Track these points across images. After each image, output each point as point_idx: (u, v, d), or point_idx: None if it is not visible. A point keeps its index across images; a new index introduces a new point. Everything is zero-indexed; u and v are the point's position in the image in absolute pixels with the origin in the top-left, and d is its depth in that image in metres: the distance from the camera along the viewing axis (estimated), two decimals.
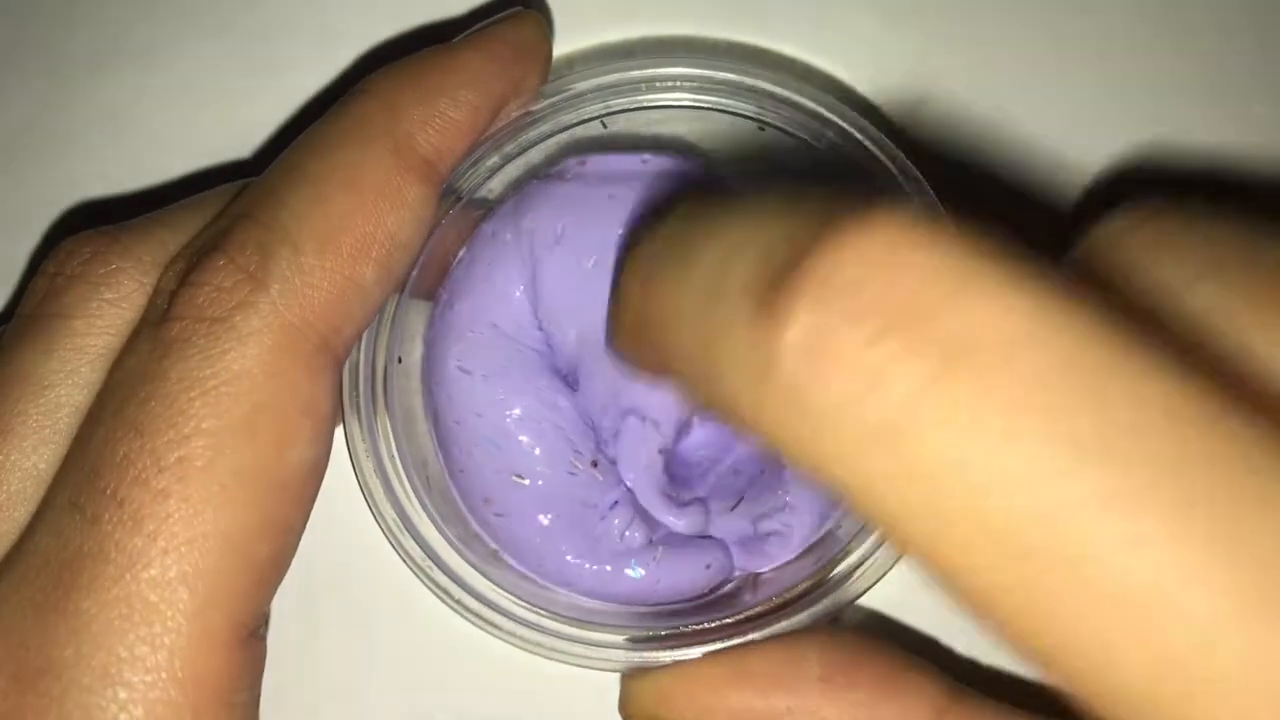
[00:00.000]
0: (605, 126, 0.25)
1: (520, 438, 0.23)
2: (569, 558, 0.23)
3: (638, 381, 0.22)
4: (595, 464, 0.24)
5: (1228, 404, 0.11)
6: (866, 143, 0.24)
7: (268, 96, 0.30)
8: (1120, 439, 0.10)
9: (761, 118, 0.24)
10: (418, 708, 0.28)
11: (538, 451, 0.23)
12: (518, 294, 0.24)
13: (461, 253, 0.25)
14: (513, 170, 0.25)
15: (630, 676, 0.22)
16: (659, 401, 0.23)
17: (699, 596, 0.25)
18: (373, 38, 0.30)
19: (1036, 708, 0.21)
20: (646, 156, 0.24)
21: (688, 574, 0.24)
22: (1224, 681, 0.10)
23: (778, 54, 0.30)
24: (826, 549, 0.24)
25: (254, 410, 0.20)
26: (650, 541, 0.24)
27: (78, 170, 0.30)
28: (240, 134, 0.30)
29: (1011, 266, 0.11)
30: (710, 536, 0.25)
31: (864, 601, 0.27)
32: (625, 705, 0.22)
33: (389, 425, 0.24)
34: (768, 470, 0.25)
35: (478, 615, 0.23)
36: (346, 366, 0.23)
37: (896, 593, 0.25)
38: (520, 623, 0.23)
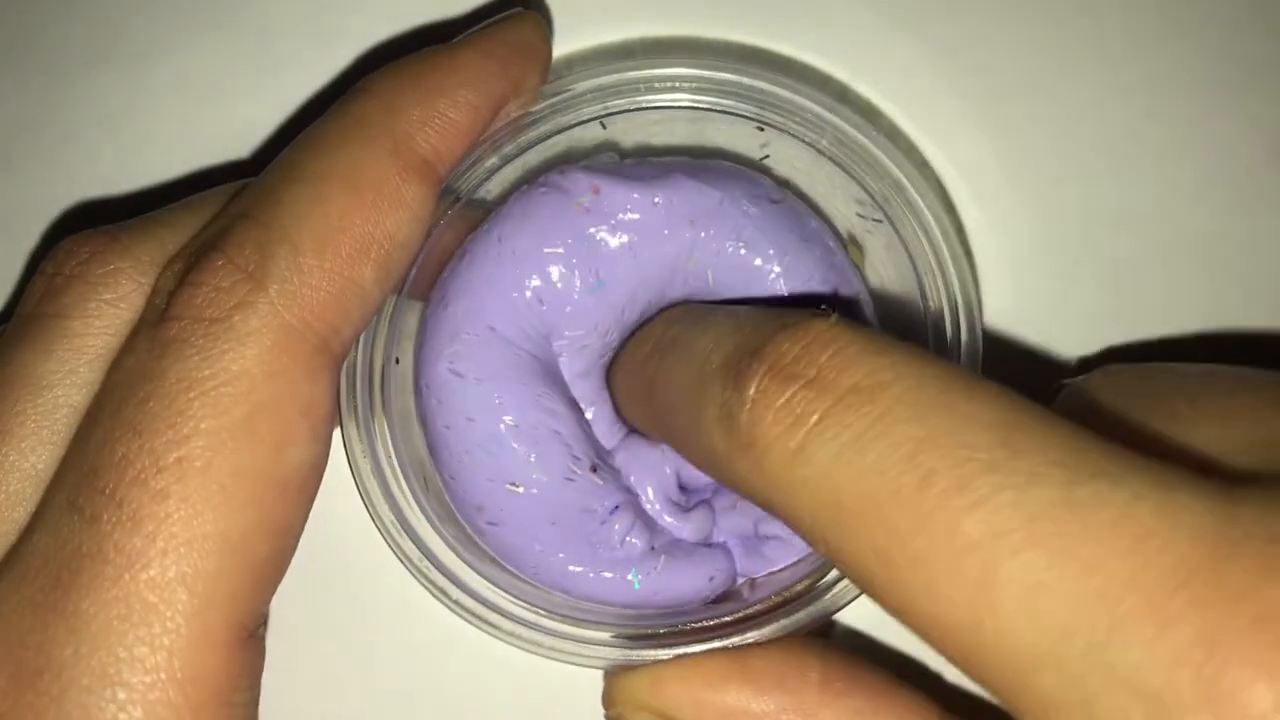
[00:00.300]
0: (604, 127, 0.25)
1: (514, 445, 0.23)
2: (567, 566, 0.23)
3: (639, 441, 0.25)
4: (595, 469, 0.23)
5: (1026, 414, 0.15)
6: (866, 142, 0.24)
7: (266, 96, 0.30)
8: (943, 438, 0.15)
9: (761, 118, 0.24)
10: (416, 707, 0.28)
11: (533, 458, 0.23)
12: (526, 296, 0.24)
13: (459, 253, 0.25)
14: (511, 171, 0.25)
15: (616, 672, 0.22)
16: None
17: None
18: (372, 37, 0.30)
19: None
20: (658, 199, 0.24)
21: (690, 584, 0.24)
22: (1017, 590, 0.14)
23: (777, 54, 0.30)
24: None
25: (253, 410, 0.20)
26: (651, 549, 0.23)
27: (76, 170, 0.30)
28: (239, 133, 0.30)
29: (882, 344, 0.17)
30: (713, 545, 0.25)
31: (853, 624, 0.27)
32: (614, 696, 0.22)
33: (386, 426, 0.24)
34: None
35: (475, 615, 0.23)
36: (344, 367, 0.23)
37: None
38: (518, 622, 0.23)
